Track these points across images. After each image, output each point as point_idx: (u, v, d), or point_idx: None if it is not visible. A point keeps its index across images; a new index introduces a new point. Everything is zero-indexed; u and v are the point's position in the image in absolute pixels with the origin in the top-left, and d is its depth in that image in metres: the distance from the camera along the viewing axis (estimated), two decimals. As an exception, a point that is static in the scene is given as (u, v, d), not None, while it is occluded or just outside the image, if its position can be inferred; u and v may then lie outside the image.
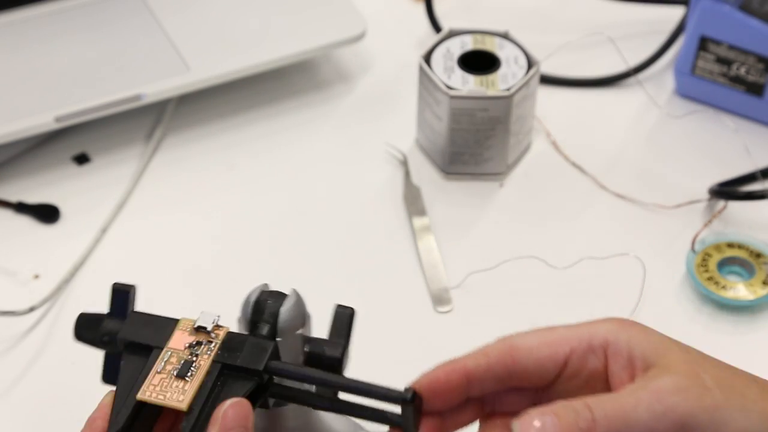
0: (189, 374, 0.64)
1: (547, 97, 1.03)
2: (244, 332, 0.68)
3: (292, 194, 0.97)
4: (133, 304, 0.69)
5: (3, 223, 0.95)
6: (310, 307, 0.90)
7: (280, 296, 0.69)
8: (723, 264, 0.91)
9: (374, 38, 1.06)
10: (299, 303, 0.69)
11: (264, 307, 0.68)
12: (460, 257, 0.93)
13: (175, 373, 0.65)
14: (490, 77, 0.95)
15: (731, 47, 0.99)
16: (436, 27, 1.08)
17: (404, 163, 0.99)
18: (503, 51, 0.97)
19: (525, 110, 0.97)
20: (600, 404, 0.60)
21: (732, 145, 1.00)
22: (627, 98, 1.05)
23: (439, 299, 0.90)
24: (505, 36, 0.98)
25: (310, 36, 1.02)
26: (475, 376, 0.64)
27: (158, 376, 0.65)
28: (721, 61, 1.00)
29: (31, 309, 0.88)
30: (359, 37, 1.03)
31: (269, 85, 1.04)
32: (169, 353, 0.66)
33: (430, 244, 0.93)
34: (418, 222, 0.95)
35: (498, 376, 0.64)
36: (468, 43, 0.98)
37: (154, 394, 0.64)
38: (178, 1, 1.05)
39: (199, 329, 0.66)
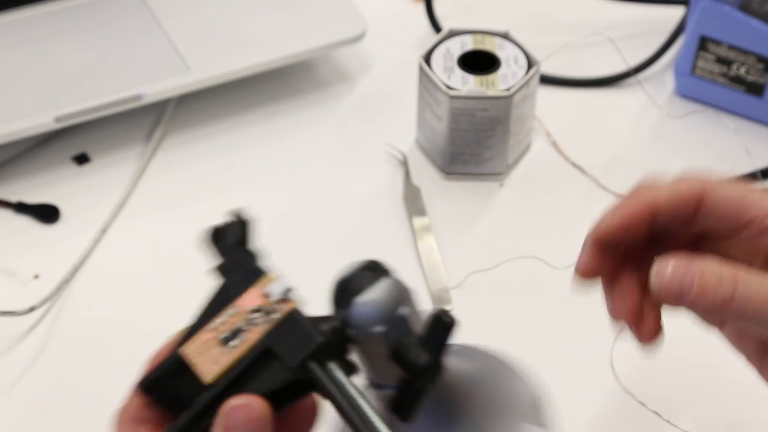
0: (231, 344, 0.58)
1: (547, 97, 1.03)
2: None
3: (292, 194, 0.97)
4: (245, 237, 0.62)
5: (3, 223, 0.95)
6: (310, 308, 0.90)
7: (372, 281, 0.59)
8: (723, 264, 0.91)
9: (374, 38, 1.06)
10: (387, 296, 0.58)
11: (347, 291, 0.59)
12: (460, 257, 0.93)
13: (221, 337, 0.58)
14: (490, 77, 0.95)
15: (731, 47, 0.99)
16: (436, 27, 1.08)
17: (404, 163, 0.99)
18: (503, 51, 0.97)
19: (525, 110, 0.97)
20: (748, 283, 0.58)
21: (732, 145, 1.00)
22: (627, 98, 1.05)
23: (439, 299, 0.90)
24: (505, 36, 0.98)
25: (310, 36, 1.02)
26: (660, 216, 0.62)
27: (209, 335, 0.58)
28: (721, 61, 1.00)
29: (31, 309, 0.88)
30: (359, 37, 1.03)
31: (269, 85, 1.04)
32: (233, 311, 0.59)
33: (430, 244, 0.93)
34: (418, 222, 0.95)
35: (679, 218, 0.62)
36: (468, 43, 0.98)
37: (193, 354, 0.58)
38: (178, 1, 1.05)
39: (266, 296, 0.59)
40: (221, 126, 1.02)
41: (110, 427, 0.59)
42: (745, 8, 0.98)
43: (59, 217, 0.95)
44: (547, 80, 1.04)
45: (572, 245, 0.93)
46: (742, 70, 1.00)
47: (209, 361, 0.57)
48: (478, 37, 0.98)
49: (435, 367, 0.58)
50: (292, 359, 0.57)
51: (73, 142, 1.00)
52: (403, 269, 0.93)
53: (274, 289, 0.59)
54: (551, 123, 1.02)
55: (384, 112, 1.04)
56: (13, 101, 0.97)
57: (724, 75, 1.01)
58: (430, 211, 0.96)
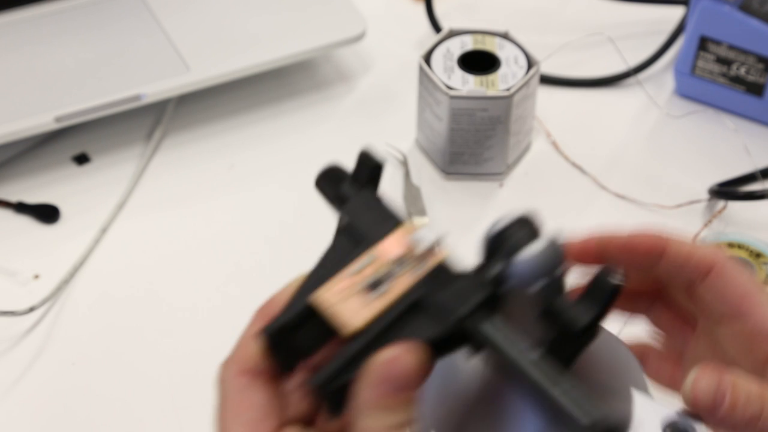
0: (377, 292, 0.53)
1: (547, 97, 1.03)
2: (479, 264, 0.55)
3: (292, 194, 0.97)
4: (376, 182, 0.58)
5: (3, 223, 0.95)
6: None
7: (530, 237, 0.55)
8: (723, 264, 0.91)
9: (374, 38, 1.06)
10: (548, 254, 0.54)
11: (503, 244, 0.54)
12: (460, 257, 0.93)
13: (364, 285, 0.53)
14: (490, 77, 0.95)
15: (731, 47, 0.99)
16: (436, 27, 1.08)
17: (404, 163, 0.99)
18: (503, 51, 0.97)
19: (525, 110, 0.97)
20: None
21: (732, 145, 1.00)
22: (627, 98, 1.05)
23: (439, 299, 0.90)
24: (505, 36, 0.98)
25: (310, 36, 1.02)
26: (667, 265, 0.62)
27: (346, 282, 0.53)
28: (721, 61, 1.00)
29: (31, 309, 0.88)
30: (359, 37, 1.03)
31: (269, 85, 1.04)
32: (372, 258, 0.54)
33: (430, 244, 0.93)
34: (418, 222, 0.95)
35: (680, 276, 0.62)
36: (468, 43, 0.98)
37: (329, 302, 0.52)
38: (178, 1, 1.05)
39: (413, 244, 0.54)
40: (221, 126, 1.02)
41: (218, 381, 0.54)
42: (745, 8, 0.98)
43: (59, 217, 0.95)
44: (547, 80, 1.04)
45: (572, 245, 0.94)
46: (742, 70, 1.00)
47: (351, 309, 0.52)
48: (478, 37, 0.98)
49: (593, 328, 0.54)
50: (452, 311, 0.52)
51: (73, 142, 1.00)
52: (403, 269, 0.94)
53: (421, 238, 0.54)
54: (551, 123, 1.02)
55: (384, 112, 1.04)
56: (13, 101, 0.97)
57: (724, 75, 1.01)
58: (430, 211, 0.96)
